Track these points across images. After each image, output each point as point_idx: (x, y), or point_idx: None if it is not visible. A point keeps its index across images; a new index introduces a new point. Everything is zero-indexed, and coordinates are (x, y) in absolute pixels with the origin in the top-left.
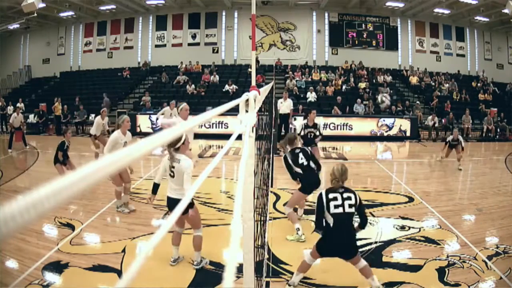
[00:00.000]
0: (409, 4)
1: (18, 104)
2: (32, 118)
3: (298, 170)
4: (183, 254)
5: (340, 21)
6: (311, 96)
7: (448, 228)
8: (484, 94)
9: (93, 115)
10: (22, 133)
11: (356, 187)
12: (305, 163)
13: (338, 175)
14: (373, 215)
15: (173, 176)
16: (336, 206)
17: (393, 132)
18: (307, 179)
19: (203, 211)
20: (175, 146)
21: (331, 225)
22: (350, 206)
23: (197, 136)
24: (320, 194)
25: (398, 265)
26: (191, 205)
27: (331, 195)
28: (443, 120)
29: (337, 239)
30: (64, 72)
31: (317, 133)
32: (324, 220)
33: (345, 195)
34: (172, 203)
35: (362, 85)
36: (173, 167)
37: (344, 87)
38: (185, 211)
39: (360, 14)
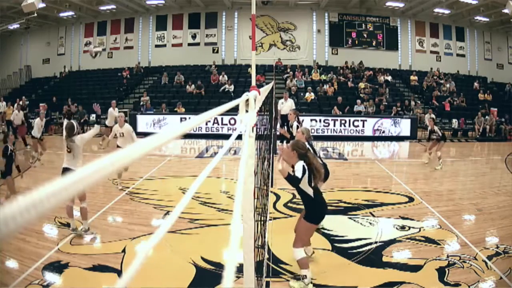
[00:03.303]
0: (409, 4)
1: (20, 102)
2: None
3: None
4: (183, 254)
5: (340, 21)
6: (309, 96)
7: (448, 228)
8: (484, 94)
9: (93, 115)
10: (25, 130)
11: (356, 187)
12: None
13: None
14: (373, 215)
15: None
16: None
17: (393, 132)
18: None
19: (203, 211)
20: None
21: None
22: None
23: (198, 136)
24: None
25: (398, 265)
26: None
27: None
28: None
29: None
30: (64, 72)
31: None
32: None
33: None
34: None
35: (362, 85)
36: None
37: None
38: None
39: (360, 14)
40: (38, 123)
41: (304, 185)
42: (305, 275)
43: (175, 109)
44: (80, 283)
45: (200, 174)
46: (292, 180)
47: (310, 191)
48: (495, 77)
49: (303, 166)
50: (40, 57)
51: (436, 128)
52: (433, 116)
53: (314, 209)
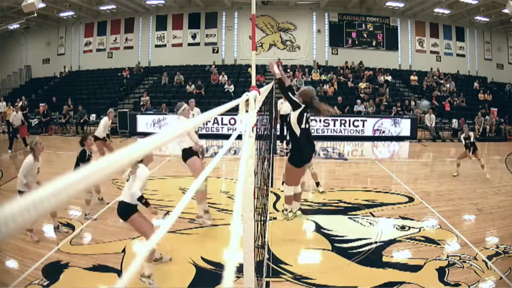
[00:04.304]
0: (409, 4)
1: (17, 104)
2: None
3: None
4: (183, 254)
5: (340, 21)
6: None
7: (448, 228)
8: (484, 94)
9: (93, 115)
10: (26, 130)
11: (356, 187)
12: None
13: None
14: (373, 215)
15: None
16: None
17: (393, 132)
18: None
19: None
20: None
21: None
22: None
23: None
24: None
25: (398, 265)
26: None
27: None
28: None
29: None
30: (64, 72)
31: None
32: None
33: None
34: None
35: (362, 85)
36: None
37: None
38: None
39: (360, 14)
40: (105, 123)
41: (294, 123)
42: (286, 209)
43: None
44: (80, 283)
45: (200, 174)
46: (287, 89)
47: (297, 131)
48: (495, 77)
49: (301, 106)
50: (40, 57)
51: (471, 133)
52: (431, 117)
53: (295, 151)
